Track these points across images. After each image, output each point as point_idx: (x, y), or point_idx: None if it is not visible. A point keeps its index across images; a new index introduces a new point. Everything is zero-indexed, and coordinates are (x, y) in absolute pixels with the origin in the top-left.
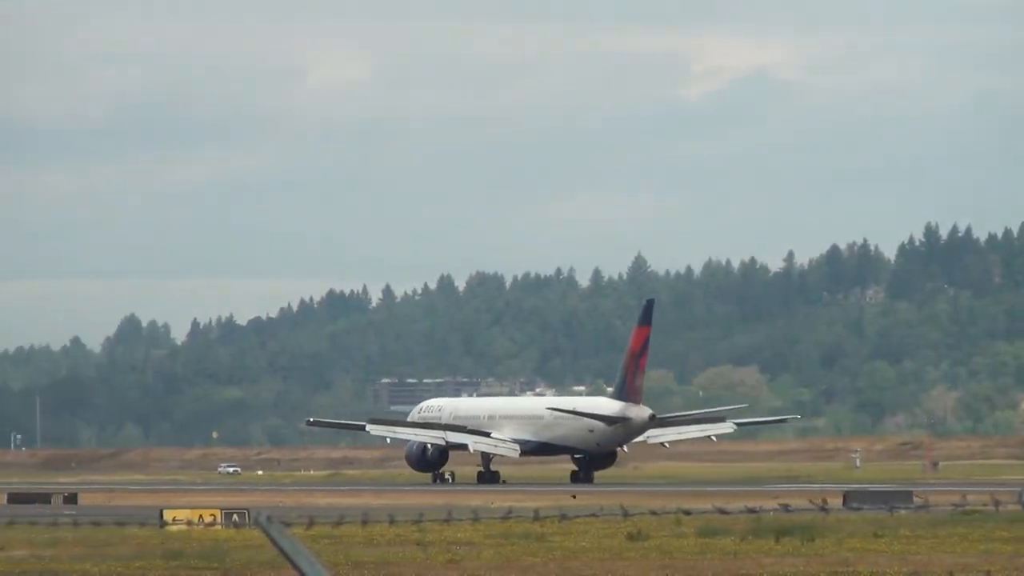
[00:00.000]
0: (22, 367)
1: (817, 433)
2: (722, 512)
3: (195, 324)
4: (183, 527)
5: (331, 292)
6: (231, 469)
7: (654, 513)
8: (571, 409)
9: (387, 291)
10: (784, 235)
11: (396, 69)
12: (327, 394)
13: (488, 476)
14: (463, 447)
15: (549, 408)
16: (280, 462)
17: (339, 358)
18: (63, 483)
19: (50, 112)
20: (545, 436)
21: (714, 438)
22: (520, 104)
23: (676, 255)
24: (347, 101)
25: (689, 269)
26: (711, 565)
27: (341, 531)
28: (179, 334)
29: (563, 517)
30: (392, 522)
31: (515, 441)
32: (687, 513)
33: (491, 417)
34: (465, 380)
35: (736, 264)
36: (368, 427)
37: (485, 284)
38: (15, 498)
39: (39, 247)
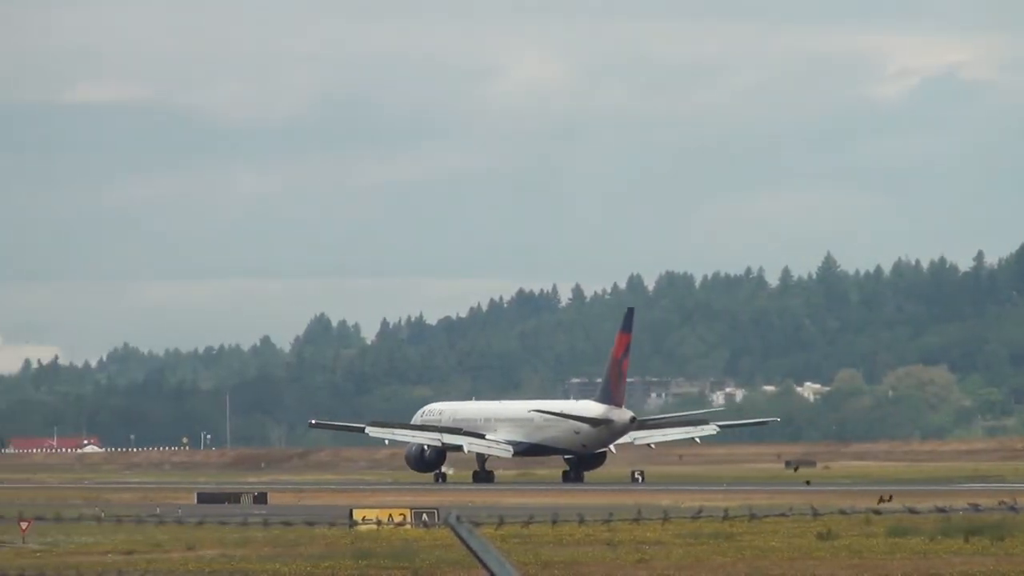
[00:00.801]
0: (212, 367)
1: (1006, 432)
2: (912, 512)
3: (384, 324)
4: (372, 527)
5: (520, 292)
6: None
7: (843, 512)
8: (556, 411)
9: (576, 291)
10: (974, 235)
11: (587, 70)
12: (516, 393)
13: (483, 475)
14: (459, 448)
15: (534, 411)
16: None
17: (529, 357)
18: (253, 483)
19: (241, 112)
20: (536, 438)
21: (698, 440)
22: (710, 104)
23: (865, 255)
24: (538, 102)
25: (879, 269)
26: (900, 565)
27: (531, 530)
28: (368, 334)
29: (752, 516)
30: (582, 522)
31: (508, 442)
32: (877, 513)
33: (487, 420)
34: (654, 380)
35: (926, 264)
36: (368, 430)
37: (674, 284)
38: (205, 498)
39: (230, 247)
